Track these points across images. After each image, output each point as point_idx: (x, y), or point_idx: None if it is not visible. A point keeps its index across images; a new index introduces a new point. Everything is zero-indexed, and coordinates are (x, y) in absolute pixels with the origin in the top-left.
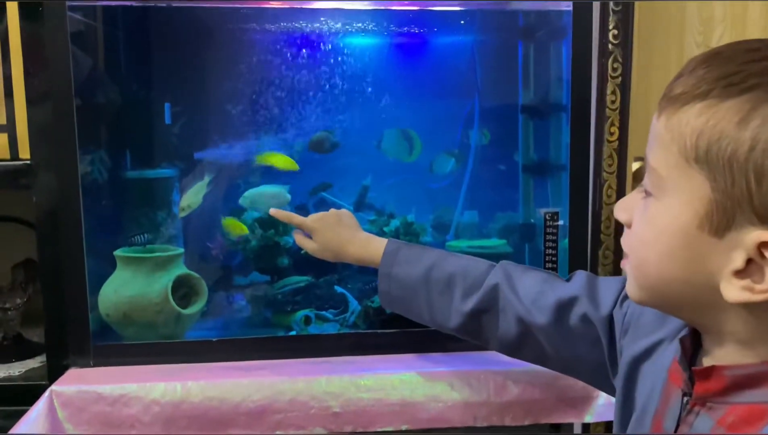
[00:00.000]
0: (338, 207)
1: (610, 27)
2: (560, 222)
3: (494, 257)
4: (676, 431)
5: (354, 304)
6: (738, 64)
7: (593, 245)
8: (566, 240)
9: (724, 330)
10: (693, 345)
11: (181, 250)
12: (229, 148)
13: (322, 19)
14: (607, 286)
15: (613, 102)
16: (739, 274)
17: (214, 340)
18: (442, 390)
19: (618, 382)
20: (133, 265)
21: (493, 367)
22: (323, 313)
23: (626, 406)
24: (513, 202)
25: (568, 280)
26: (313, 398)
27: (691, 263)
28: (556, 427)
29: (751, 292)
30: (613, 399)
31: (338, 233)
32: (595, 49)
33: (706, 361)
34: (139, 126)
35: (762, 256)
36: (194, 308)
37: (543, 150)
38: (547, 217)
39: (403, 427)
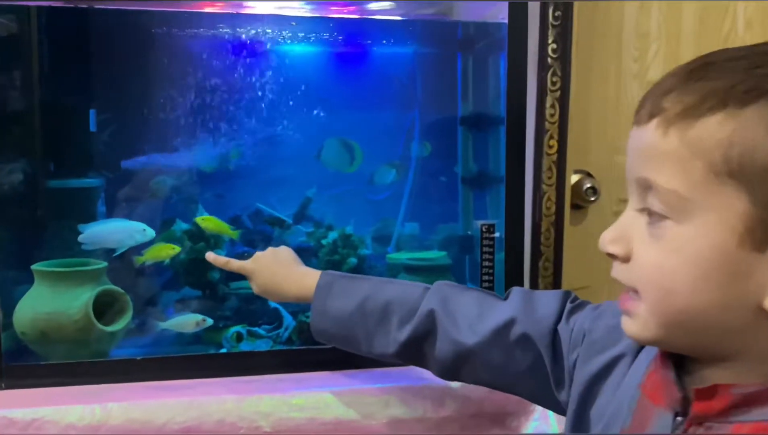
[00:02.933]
0: (275, 218)
1: (550, 41)
2: (497, 234)
3: (435, 269)
4: None
5: (288, 320)
6: (743, 71)
7: (533, 257)
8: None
9: (744, 350)
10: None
11: (104, 263)
12: (161, 157)
13: (259, 26)
14: (546, 301)
15: (552, 115)
16: None
17: (138, 358)
18: (378, 408)
19: (571, 401)
20: (52, 279)
21: (429, 383)
22: (256, 329)
23: (580, 426)
24: (453, 214)
25: (505, 299)
26: (242, 418)
27: (730, 285)
28: None
29: None
30: (549, 414)
31: (274, 272)
32: (534, 63)
33: (697, 379)
34: (62, 133)
35: None
36: (118, 325)
37: (482, 162)
38: (483, 228)
39: None
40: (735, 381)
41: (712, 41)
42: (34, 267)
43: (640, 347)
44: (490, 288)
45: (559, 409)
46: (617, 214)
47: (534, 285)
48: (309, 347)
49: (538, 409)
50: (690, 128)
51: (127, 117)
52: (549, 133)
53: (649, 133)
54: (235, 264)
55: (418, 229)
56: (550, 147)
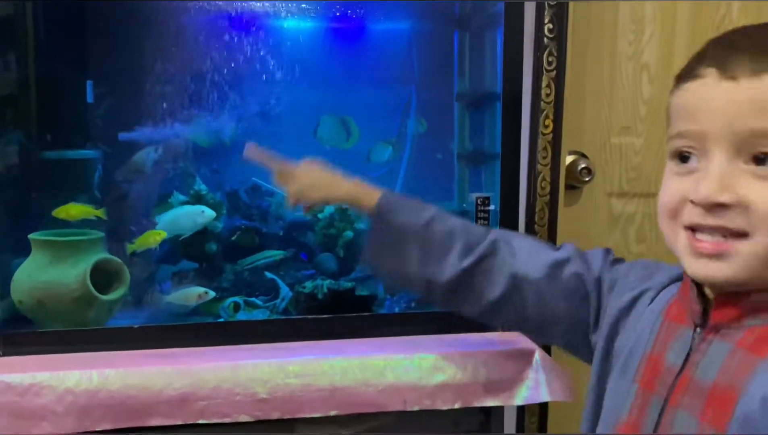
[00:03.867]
0: (272, 193)
1: (546, 21)
2: (491, 207)
3: None
4: (686, 361)
5: (285, 290)
6: None
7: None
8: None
9: None
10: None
11: (102, 233)
12: (159, 130)
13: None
14: (593, 252)
15: (548, 95)
16: None
17: (135, 326)
18: (373, 374)
19: (600, 338)
20: (50, 249)
21: (422, 352)
22: (253, 299)
23: (607, 359)
24: (449, 190)
25: (557, 249)
26: (238, 385)
27: None
28: (487, 411)
29: None
30: (541, 381)
31: (324, 173)
32: (530, 43)
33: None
34: (58, 105)
35: None
36: (115, 294)
37: (478, 139)
38: (478, 201)
39: (333, 413)
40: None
41: (707, 26)
42: (31, 236)
43: (664, 286)
44: None
45: (587, 353)
46: (610, 195)
47: None
48: (305, 317)
49: (530, 378)
50: None
51: (123, 91)
52: (545, 113)
53: (757, 87)
54: (277, 161)
55: None
56: (546, 126)
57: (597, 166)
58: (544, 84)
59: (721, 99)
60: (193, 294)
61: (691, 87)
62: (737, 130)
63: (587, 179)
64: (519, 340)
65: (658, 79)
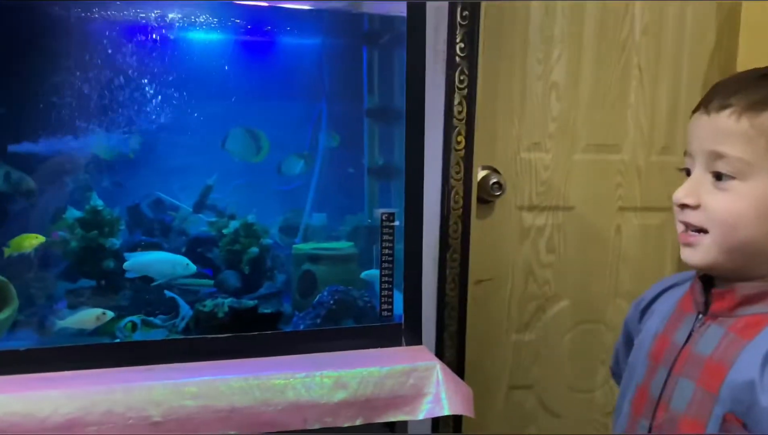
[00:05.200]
0: (176, 207)
1: (458, 40)
2: (396, 222)
3: (340, 259)
4: (688, 339)
5: (185, 309)
6: None
7: (441, 249)
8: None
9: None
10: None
11: None
12: (51, 143)
13: (164, 10)
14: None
15: (459, 112)
16: None
17: (21, 349)
18: (273, 394)
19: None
20: None
21: (322, 370)
22: (151, 319)
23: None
24: (360, 205)
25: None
26: (131, 408)
27: None
28: (391, 426)
29: None
30: (442, 395)
31: None
32: (442, 62)
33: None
34: None
35: None
36: (1, 315)
37: (388, 153)
38: (383, 217)
39: (231, 433)
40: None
41: (612, 46)
42: None
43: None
44: (390, 275)
45: None
46: (521, 208)
47: (442, 275)
48: (203, 336)
49: (430, 394)
50: (758, 117)
51: (18, 101)
52: (457, 130)
53: (723, 120)
54: None
55: (325, 219)
56: (458, 143)
57: (508, 181)
58: (456, 101)
59: (700, 128)
60: (91, 317)
61: (692, 118)
62: (705, 151)
63: (498, 193)
64: (420, 355)
65: (566, 97)
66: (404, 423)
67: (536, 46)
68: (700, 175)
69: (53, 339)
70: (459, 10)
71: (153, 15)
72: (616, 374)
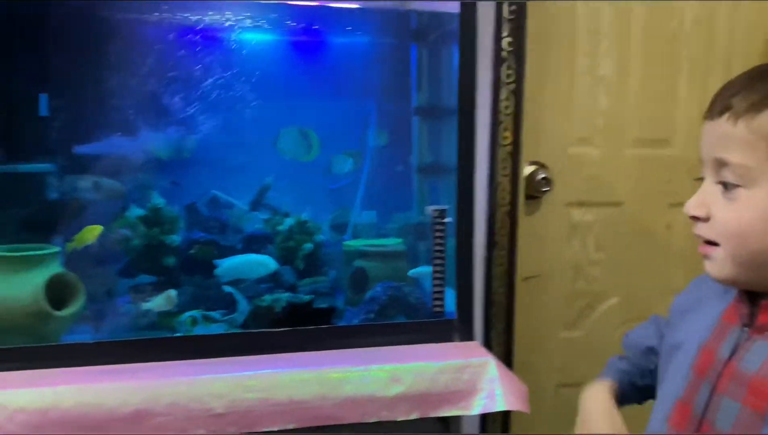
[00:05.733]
0: (230, 205)
1: (504, 35)
2: (448, 219)
3: (390, 255)
4: (733, 354)
5: (243, 304)
6: None
7: (488, 246)
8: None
9: None
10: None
11: (57, 248)
12: (114, 143)
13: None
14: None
15: (506, 107)
16: None
17: (90, 342)
18: (330, 388)
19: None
20: (3, 264)
21: (379, 363)
22: (210, 313)
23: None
24: (408, 202)
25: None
26: (194, 400)
27: None
28: (445, 421)
29: None
30: (496, 392)
31: None
32: (489, 57)
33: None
34: (11, 118)
35: None
36: (70, 310)
37: (437, 151)
38: (435, 214)
39: (290, 426)
40: None
41: (660, 38)
42: None
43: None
44: (442, 272)
45: None
46: (569, 204)
47: (489, 273)
48: (263, 330)
49: (485, 389)
50: (755, 119)
51: (80, 102)
52: (503, 125)
53: (723, 124)
54: None
55: (375, 216)
56: (505, 138)
57: (556, 176)
58: (503, 97)
59: (706, 134)
60: (162, 299)
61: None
62: (710, 158)
63: (546, 190)
64: (473, 351)
65: (614, 91)
66: (458, 419)
67: (583, 39)
68: (709, 184)
69: (119, 332)
70: (506, 6)
71: (207, 18)
72: (630, 345)
